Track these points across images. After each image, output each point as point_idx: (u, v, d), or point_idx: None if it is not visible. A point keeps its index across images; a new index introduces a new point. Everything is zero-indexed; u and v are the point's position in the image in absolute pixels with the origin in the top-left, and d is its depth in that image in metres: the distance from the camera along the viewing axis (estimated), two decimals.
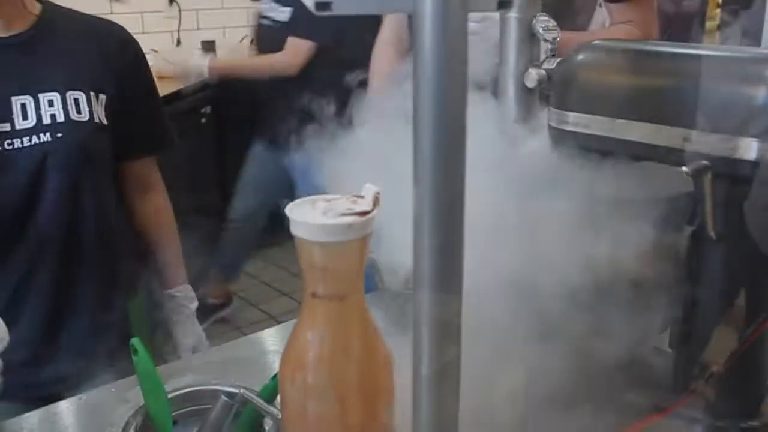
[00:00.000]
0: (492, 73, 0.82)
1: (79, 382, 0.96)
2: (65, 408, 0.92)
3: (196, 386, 0.83)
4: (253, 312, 3.34)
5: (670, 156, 0.69)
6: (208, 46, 3.55)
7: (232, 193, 3.09)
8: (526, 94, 0.81)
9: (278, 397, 0.64)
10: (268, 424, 0.76)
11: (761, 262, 0.67)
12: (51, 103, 1.15)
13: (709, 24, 3.75)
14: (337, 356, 0.57)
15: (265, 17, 2.83)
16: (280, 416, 0.67)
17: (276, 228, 2.99)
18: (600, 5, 1.58)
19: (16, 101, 1.12)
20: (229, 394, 0.76)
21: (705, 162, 0.66)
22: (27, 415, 0.90)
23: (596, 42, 0.78)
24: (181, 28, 3.79)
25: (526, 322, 0.76)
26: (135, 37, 1.32)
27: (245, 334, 1.18)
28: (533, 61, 0.80)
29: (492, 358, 0.70)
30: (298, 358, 0.58)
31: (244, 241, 3.14)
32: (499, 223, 0.72)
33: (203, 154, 3.35)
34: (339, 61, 2.70)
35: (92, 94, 1.19)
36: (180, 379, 0.85)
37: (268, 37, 2.84)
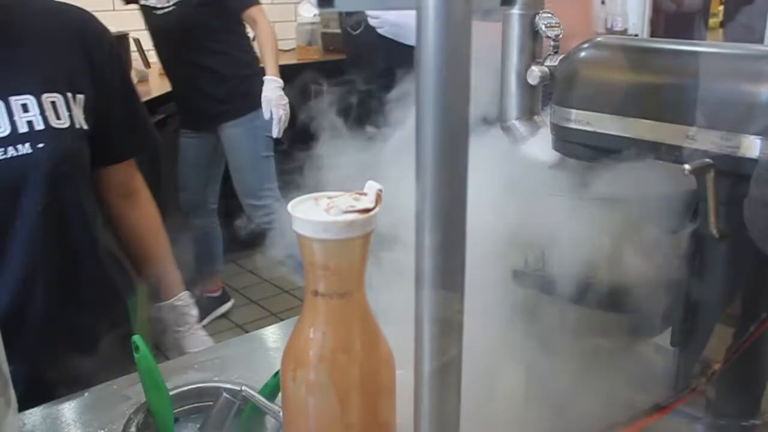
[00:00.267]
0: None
1: (81, 383, 0.95)
2: (67, 405, 0.92)
3: (198, 383, 0.83)
4: (255, 309, 3.35)
5: (673, 153, 0.69)
6: None
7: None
8: (528, 91, 0.81)
9: (280, 395, 0.64)
10: (269, 421, 0.76)
11: (763, 261, 0.67)
12: (26, 108, 1.01)
13: (712, 21, 3.75)
14: (339, 354, 0.57)
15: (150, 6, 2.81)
16: (281, 414, 0.67)
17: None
18: (603, 2, 1.57)
19: None
20: (231, 392, 0.76)
21: (707, 160, 0.65)
22: (29, 412, 0.91)
23: (599, 39, 0.78)
24: None
25: (526, 319, 0.76)
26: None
27: (247, 332, 1.18)
28: (536, 58, 0.80)
29: (492, 356, 0.70)
30: (299, 355, 0.58)
31: (212, 228, 3.15)
32: (500, 221, 0.72)
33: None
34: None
35: (69, 95, 1.06)
36: (182, 376, 0.85)
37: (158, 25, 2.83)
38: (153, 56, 3.21)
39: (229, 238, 3.23)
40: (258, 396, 0.74)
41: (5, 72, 1.02)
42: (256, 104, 2.86)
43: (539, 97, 0.82)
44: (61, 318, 1.10)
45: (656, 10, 3.88)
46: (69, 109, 1.05)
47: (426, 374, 0.46)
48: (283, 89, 2.88)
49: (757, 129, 0.63)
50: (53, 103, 1.03)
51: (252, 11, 2.82)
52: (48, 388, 0.97)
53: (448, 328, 0.45)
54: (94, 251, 1.15)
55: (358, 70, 3.02)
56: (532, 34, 0.79)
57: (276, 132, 2.87)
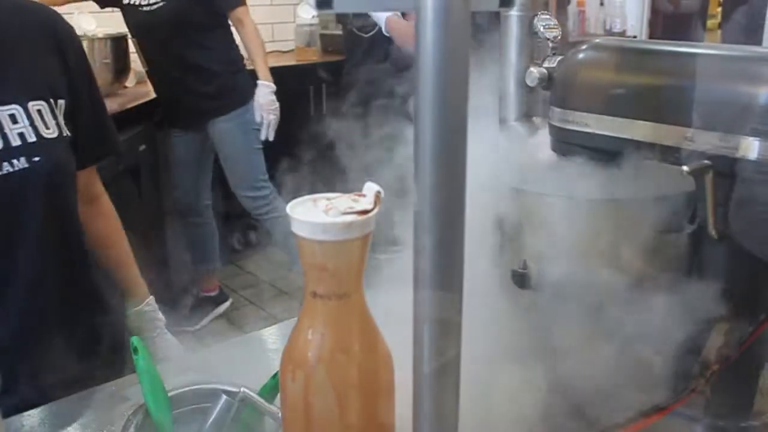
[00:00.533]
0: None
1: (79, 384, 0.95)
2: (66, 406, 0.92)
3: (197, 385, 0.83)
4: (254, 310, 3.35)
5: (671, 155, 0.69)
6: None
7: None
8: (527, 92, 0.81)
9: (278, 396, 0.64)
10: (268, 422, 0.76)
11: (762, 261, 0.67)
12: (14, 119, 0.96)
13: (710, 22, 3.75)
14: (338, 355, 0.57)
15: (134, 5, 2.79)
16: (280, 415, 0.67)
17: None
18: (602, 4, 1.58)
19: None
20: (230, 393, 0.76)
21: (706, 161, 0.66)
22: (28, 413, 0.90)
23: (598, 41, 0.78)
24: None
25: (525, 317, 0.76)
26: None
27: (245, 333, 1.18)
28: (534, 60, 0.80)
29: (492, 356, 0.70)
30: (298, 357, 0.58)
31: (207, 225, 3.15)
32: (501, 219, 0.72)
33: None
34: None
35: (52, 101, 1.01)
36: (180, 377, 0.85)
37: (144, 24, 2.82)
38: None
39: (225, 238, 3.23)
40: (257, 397, 0.74)
41: None
42: (244, 99, 2.87)
43: (538, 99, 0.83)
44: (65, 323, 1.09)
45: (655, 11, 3.88)
46: (54, 116, 1.02)
47: (425, 375, 0.46)
48: (275, 93, 2.90)
49: (756, 130, 0.63)
50: (39, 112, 0.99)
51: (238, 11, 2.82)
52: (48, 391, 0.97)
53: (446, 329, 0.45)
54: (90, 256, 1.15)
55: (366, 71, 3.01)
56: (531, 36, 0.79)
57: (265, 134, 2.89)
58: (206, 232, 3.16)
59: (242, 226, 3.62)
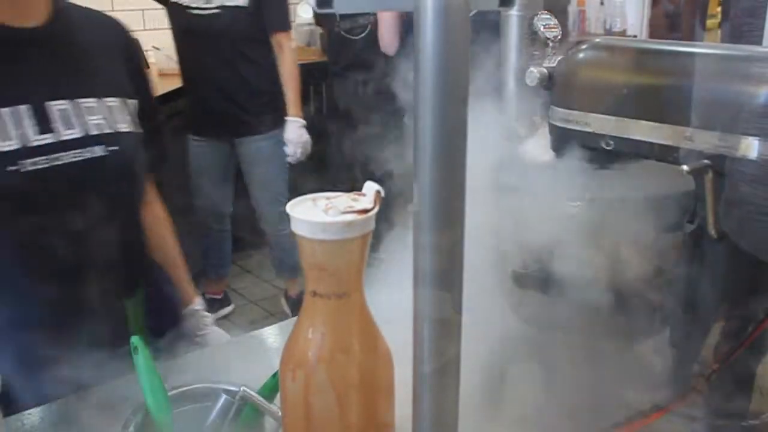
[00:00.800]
0: None
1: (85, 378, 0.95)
2: (65, 405, 0.92)
3: (197, 384, 0.83)
4: (254, 310, 3.34)
5: (671, 154, 0.69)
6: None
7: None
8: (527, 92, 0.81)
9: (278, 395, 0.64)
10: (268, 421, 0.76)
11: (761, 261, 0.67)
12: (92, 111, 1.03)
13: (710, 22, 3.75)
14: (338, 354, 0.57)
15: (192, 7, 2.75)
16: (280, 414, 0.67)
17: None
18: (602, 3, 1.58)
19: (53, 107, 0.98)
20: (230, 392, 0.76)
21: (706, 161, 0.66)
22: (28, 412, 0.90)
23: (598, 40, 0.78)
24: None
25: (525, 317, 0.76)
26: (137, 34, 1.25)
27: (246, 332, 1.18)
28: (534, 59, 0.80)
29: (491, 354, 0.70)
30: (298, 356, 0.58)
31: (223, 232, 3.15)
32: (501, 219, 0.72)
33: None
34: None
35: (125, 100, 1.09)
36: (180, 376, 0.85)
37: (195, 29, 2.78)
38: (151, 56, 3.21)
39: (234, 241, 3.23)
40: (257, 396, 0.74)
41: (70, 76, 1.03)
42: (279, 122, 2.86)
43: (538, 98, 0.83)
44: (104, 315, 1.09)
45: (655, 11, 3.88)
46: (128, 113, 1.08)
47: (425, 374, 0.46)
48: (306, 127, 2.89)
49: (755, 130, 0.63)
50: (114, 107, 1.06)
51: (281, 36, 2.79)
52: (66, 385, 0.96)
53: (446, 329, 0.45)
54: (143, 250, 1.18)
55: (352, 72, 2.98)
56: (531, 36, 0.79)
57: (294, 162, 2.90)
58: (222, 239, 3.15)
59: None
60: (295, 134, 2.86)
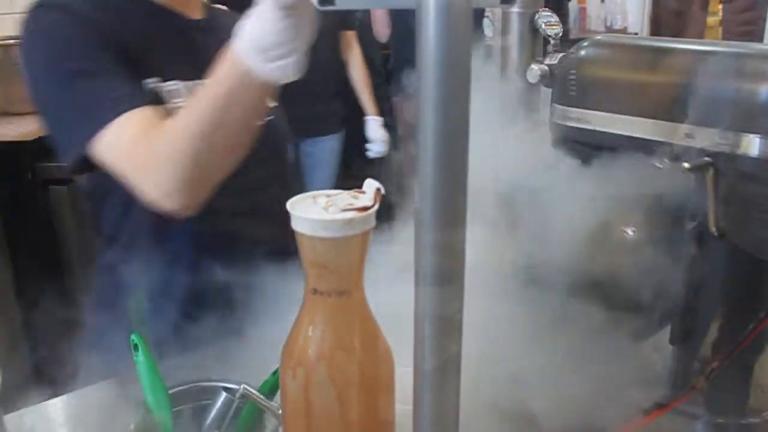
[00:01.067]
0: None
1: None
2: (65, 403, 0.92)
3: (197, 382, 0.83)
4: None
5: (672, 152, 0.69)
6: None
7: None
8: (528, 89, 0.81)
9: (279, 393, 0.64)
10: (268, 419, 0.76)
11: (762, 259, 0.67)
12: None
13: (711, 20, 3.74)
14: (338, 352, 0.57)
15: None
16: (280, 412, 0.67)
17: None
18: (602, 0, 1.58)
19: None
20: (230, 390, 0.76)
21: (707, 158, 0.65)
22: (29, 409, 0.91)
23: (599, 38, 0.78)
24: None
25: (526, 315, 0.76)
26: None
27: (246, 330, 1.17)
28: (535, 57, 0.80)
29: (491, 352, 0.70)
30: (298, 353, 0.58)
31: None
32: (501, 217, 0.72)
33: None
34: None
35: None
36: (180, 374, 0.85)
37: None
38: None
39: None
40: (257, 394, 0.74)
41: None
42: (345, 122, 2.87)
43: (539, 95, 0.83)
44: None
45: (656, 8, 3.88)
46: None
47: (426, 372, 0.46)
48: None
49: (757, 127, 0.63)
50: None
51: (349, 34, 2.79)
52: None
53: (447, 326, 0.45)
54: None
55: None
56: (532, 33, 0.79)
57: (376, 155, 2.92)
58: None
59: None
60: (379, 132, 2.89)
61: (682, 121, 0.68)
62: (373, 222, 0.56)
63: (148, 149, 0.93)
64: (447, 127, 0.41)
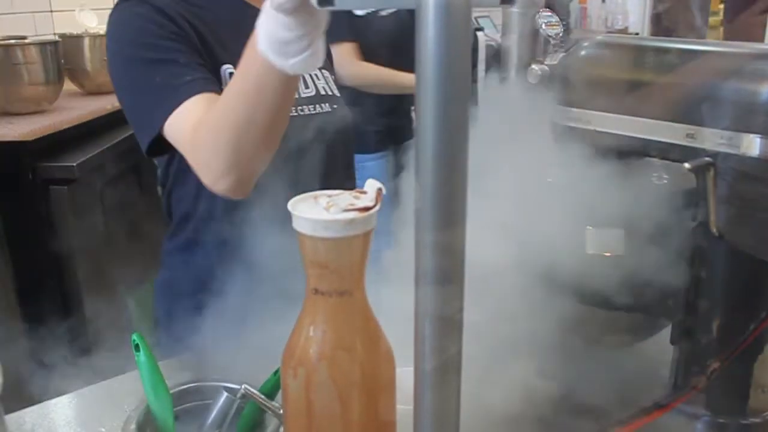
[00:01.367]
0: None
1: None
2: (66, 402, 0.92)
3: (198, 381, 0.83)
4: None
5: (673, 152, 0.69)
6: None
7: None
8: (528, 89, 0.81)
9: (280, 393, 0.64)
10: (269, 419, 0.76)
11: (762, 259, 0.67)
12: (318, 77, 1.23)
13: (712, 19, 3.74)
14: (339, 352, 0.57)
15: None
16: (281, 411, 0.67)
17: None
18: (603, 0, 1.59)
19: None
20: (231, 390, 0.76)
21: (708, 158, 0.66)
22: (29, 409, 0.91)
23: (600, 38, 0.78)
24: None
25: (528, 315, 0.76)
26: None
27: (246, 329, 1.17)
28: (535, 57, 0.80)
29: (491, 352, 0.70)
30: (300, 353, 0.58)
31: None
32: (501, 217, 0.72)
33: None
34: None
35: (327, 71, 1.27)
36: (182, 374, 0.85)
37: None
38: None
39: None
40: (258, 394, 0.75)
41: None
42: None
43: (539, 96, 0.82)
44: None
45: (657, 8, 3.87)
46: (335, 84, 1.28)
47: (426, 372, 0.46)
48: None
49: (758, 128, 0.63)
50: (327, 78, 1.25)
51: None
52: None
53: (448, 326, 0.45)
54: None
55: None
56: (532, 33, 0.79)
57: None
58: None
59: None
60: None
61: (682, 122, 0.68)
62: (374, 222, 0.56)
63: (202, 134, 0.96)
64: (447, 127, 0.41)
